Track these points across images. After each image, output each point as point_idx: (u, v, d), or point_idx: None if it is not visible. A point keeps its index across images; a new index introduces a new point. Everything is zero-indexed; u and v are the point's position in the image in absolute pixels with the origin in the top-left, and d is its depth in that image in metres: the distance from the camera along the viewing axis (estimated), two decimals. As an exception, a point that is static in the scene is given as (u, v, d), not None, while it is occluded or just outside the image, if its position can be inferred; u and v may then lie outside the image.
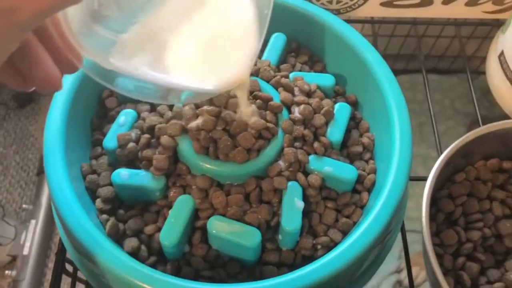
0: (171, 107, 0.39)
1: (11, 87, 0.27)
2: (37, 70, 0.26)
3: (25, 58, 0.25)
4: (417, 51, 0.61)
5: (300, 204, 0.36)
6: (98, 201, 0.38)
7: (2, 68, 0.25)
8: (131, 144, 0.38)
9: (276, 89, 0.41)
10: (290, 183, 0.37)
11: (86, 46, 0.27)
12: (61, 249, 0.44)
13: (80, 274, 0.45)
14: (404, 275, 0.91)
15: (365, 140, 0.42)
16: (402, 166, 0.37)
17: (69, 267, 0.45)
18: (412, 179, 0.44)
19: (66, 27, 0.26)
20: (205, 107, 0.37)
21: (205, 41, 0.32)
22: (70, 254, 0.40)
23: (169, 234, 0.34)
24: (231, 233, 0.35)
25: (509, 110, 0.50)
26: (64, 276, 0.44)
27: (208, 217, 0.36)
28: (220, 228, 0.35)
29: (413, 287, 0.44)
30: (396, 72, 0.41)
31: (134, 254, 0.36)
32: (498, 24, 0.53)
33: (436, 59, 0.94)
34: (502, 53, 0.49)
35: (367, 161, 0.41)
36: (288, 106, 0.40)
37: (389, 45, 0.87)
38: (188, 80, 0.31)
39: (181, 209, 0.36)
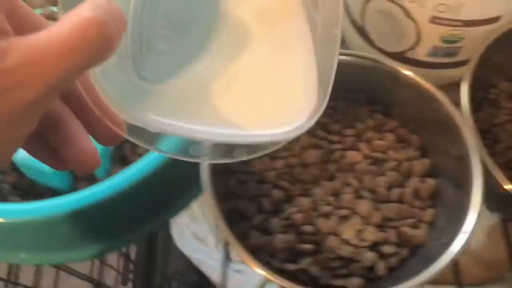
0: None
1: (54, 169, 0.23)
2: (70, 149, 0.21)
3: (56, 134, 0.21)
4: None
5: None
6: None
7: (35, 148, 0.21)
8: None
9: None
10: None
11: (132, 111, 0.23)
12: None
13: None
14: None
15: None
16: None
17: None
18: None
19: (102, 92, 0.21)
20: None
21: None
22: None
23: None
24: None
25: None
26: None
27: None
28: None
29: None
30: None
31: None
32: None
33: None
34: None
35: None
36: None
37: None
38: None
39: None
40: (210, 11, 0.27)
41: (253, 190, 0.41)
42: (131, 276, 1.04)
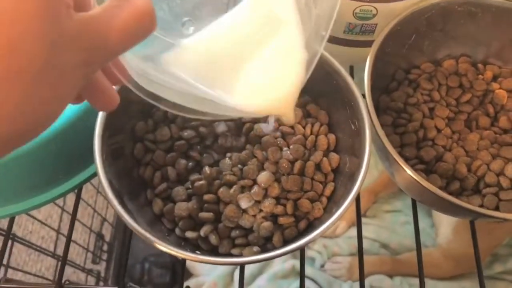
0: None
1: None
2: (100, 96, 0.25)
3: (88, 86, 0.23)
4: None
5: None
6: None
7: None
8: None
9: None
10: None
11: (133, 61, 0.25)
12: None
13: None
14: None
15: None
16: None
17: None
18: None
19: None
20: None
21: (254, 62, 0.29)
22: None
23: None
24: None
25: None
26: None
27: None
28: None
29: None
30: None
31: None
32: None
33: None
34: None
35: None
36: None
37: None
38: (236, 100, 0.28)
39: None
40: None
41: (159, 159, 0.41)
42: (104, 256, 1.05)
